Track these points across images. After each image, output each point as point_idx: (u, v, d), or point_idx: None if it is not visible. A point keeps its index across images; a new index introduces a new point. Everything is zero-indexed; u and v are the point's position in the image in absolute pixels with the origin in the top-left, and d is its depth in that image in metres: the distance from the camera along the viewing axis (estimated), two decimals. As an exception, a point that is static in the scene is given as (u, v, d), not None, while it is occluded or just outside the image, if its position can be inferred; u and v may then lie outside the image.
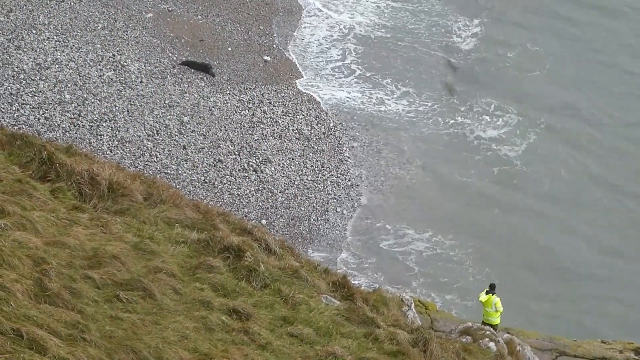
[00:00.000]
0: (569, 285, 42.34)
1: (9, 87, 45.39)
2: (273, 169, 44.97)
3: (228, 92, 49.49)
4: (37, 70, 47.01)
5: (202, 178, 43.70)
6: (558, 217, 46.00)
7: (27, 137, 20.14)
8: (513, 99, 53.31)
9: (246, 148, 45.86)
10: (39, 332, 12.59)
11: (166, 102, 47.53)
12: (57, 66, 47.71)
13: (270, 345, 15.80)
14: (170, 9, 54.98)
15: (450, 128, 51.23)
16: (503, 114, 52.47)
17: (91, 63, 48.66)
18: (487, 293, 28.57)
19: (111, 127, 44.92)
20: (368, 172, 46.74)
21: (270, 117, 48.22)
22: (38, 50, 48.39)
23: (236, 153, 45.44)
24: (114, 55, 49.65)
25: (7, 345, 12.11)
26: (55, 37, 49.80)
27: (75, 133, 43.93)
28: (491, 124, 51.75)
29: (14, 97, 44.93)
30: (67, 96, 45.98)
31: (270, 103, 49.16)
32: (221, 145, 45.73)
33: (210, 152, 45.16)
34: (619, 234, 45.50)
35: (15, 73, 46.37)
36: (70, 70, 47.72)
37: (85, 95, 46.34)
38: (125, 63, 49.31)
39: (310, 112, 49.47)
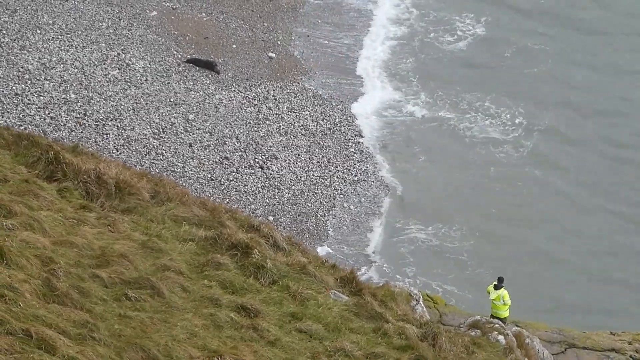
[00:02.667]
0: (577, 278, 42.32)
1: (14, 88, 45.43)
2: (279, 165, 44.98)
3: (233, 89, 49.49)
4: (42, 70, 47.05)
5: (209, 175, 43.71)
6: (559, 211, 45.99)
7: (33, 137, 20.16)
8: (515, 98, 53.21)
9: (252, 145, 45.87)
10: (48, 332, 12.60)
11: (172, 100, 47.55)
12: (62, 66, 47.74)
13: (279, 341, 15.80)
14: (174, 6, 54.99)
15: (452, 125, 51.18)
16: (504, 112, 52.40)
17: (96, 62, 48.69)
18: (495, 287, 28.51)
19: (117, 126, 44.95)
20: (374, 167, 46.73)
21: (276, 114, 48.22)
22: (43, 50, 48.43)
23: (242, 150, 45.45)
24: (118, 54, 49.68)
25: (16, 345, 12.12)
26: (59, 36, 49.83)
27: (81, 132, 43.97)
28: (493, 122, 51.68)
29: (20, 98, 44.98)
30: (73, 95, 46.02)
31: (275, 99, 49.16)
32: (227, 143, 45.74)
33: (216, 150, 45.17)
34: (627, 225, 45.45)
35: (20, 73, 46.42)
36: (75, 70, 47.76)
37: (90, 95, 46.38)
38: (130, 62, 49.33)
39: (316, 107, 49.47)
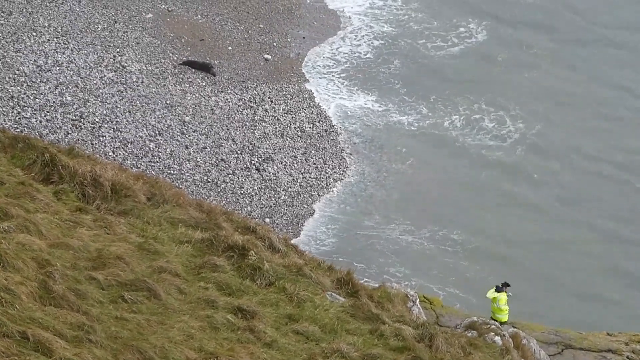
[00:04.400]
0: (574, 279, 42.36)
1: (10, 90, 45.42)
2: (275, 167, 44.99)
3: (229, 91, 49.50)
4: (38, 73, 47.05)
5: (205, 177, 43.72)
6: (554, 212, 46.04)
7: (30, 139, 20.13)
8: (508, 102, 53.28)
9: (248, 147, 45.88)
10: (44, 334, 12.61)
11: (167, 102, 47.55)
12: (57, 68, 47.74)
13: (276, 343, 15.80)
14: (169, 9, 55.00)
15: (446, 129, 51.22)
16: (498, 118, 52.47)
17: (92, 64, 48.69)
18: (496, 289, 28.47)
19: (113, 129, 44.95)
20: (370, 168, 46.77)
21: (272, 116, 48.25)
22: (38, 52, 48.42)
23: (238, 152, 45.45)
24: (114, 56, 49.67)
25: (13, 347, 12.13)
26: (55, 39, 49.83)
27: (77, 135, 43.97)
28: (486, 128, 51.73)
29: (16, 100, 44.97)
30: (69, 98, 46.01)
31: (271, 101, 49.17)
32: (223, 145, 45.74)
33: (212, 152, 45.18)
34: (620, 226, 45.49)
35: (16, 76, 46.41)
36: (71, 72, 47.76)
37: (86, 97, 46.38)
38: (126, 64, 49.33)
39: (312, 109, 49.49)
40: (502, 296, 28.28)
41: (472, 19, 60.28)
